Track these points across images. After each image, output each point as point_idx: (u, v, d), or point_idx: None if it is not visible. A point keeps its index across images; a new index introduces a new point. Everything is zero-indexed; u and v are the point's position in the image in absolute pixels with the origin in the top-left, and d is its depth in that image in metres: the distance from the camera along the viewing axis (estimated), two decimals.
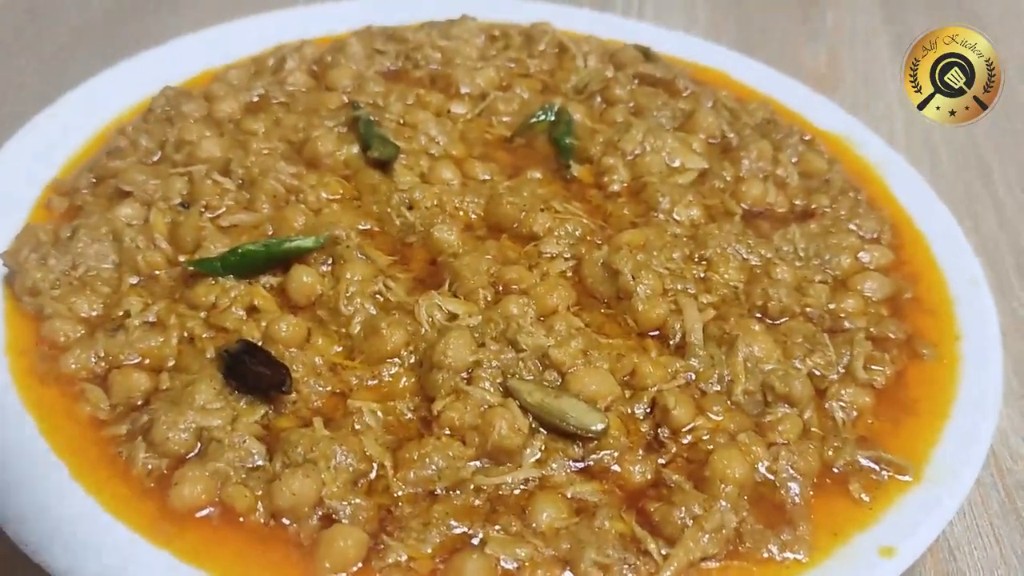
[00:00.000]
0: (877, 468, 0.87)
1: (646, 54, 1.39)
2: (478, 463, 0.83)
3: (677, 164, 1.17)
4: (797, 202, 1.16)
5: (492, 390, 0.86)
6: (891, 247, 1.11)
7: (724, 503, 0.81)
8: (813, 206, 1.14)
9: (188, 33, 1.36)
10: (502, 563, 0.76)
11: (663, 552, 0.78)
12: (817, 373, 0.94)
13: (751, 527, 0.81)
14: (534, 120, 1.21)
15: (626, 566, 0.77)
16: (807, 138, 1.26)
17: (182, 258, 0.98)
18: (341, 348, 0.91)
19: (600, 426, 0.84)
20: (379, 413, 0.85)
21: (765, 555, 0.79)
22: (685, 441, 0.87)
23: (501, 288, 0.97)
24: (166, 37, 1.35)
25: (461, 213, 1.07)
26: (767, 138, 1.24)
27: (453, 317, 0.93)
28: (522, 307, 0.93)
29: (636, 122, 1.20)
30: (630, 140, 1.17)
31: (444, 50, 1.34)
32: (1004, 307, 1.13)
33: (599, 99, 1.30)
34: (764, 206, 1.13)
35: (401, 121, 1.19)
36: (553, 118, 1.22)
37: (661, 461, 0.85)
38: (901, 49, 1.67)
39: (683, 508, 0.80)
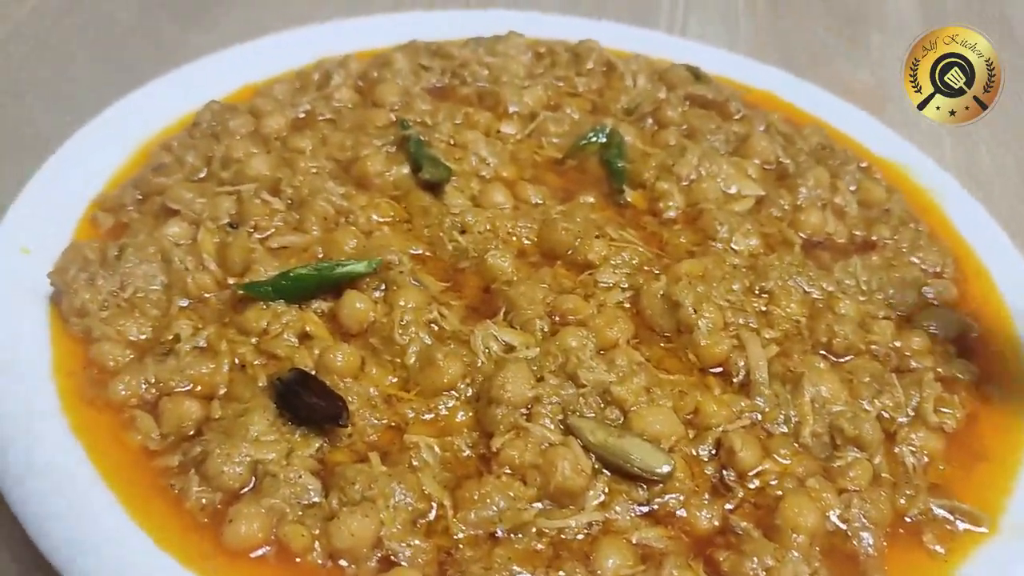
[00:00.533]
0: (951, 518, 0.84)
1: (696, 74, 1.36)
2: (539, 504, 0.79)
3: (733, 191, 1.14)
4: (857, 232, 1.13)
5: (553, 427, 0.83)
6: (954, 281, 1.08)
7: (796, 553, 0.77)
8: (874, 237, 1.11)
9: (227, 47, 1.33)
10: None
11: None
12: (886, 415, 0.91)
13: None
14: (585, 142, 1.18)
15: None
16: (864, 165, 1.23)
17: (231, 280, 0.95)
18: (396, 379, 0.88)
19: (666, 468, 0.81)
20: (436, 449, 0.82)
21: None
22: (752, 485, 0.83)
23: (558, 318, 0.94)
24: (205, 51, 1.32)
25: (514, 238, 1.04)
26: (823, 164, 1.20)
27: (510, 349, 0.90)
28: (581, 340, 0.90)
29: (691, 146, 1.17)
30: (685, 164, 1.14)
31: (491, 67, 1.31)
32: None
33: (650, 120, 1.27)
34: (823, 236, 1.10)
35: (451, 141, 1.16)
36: (604, 140, 1.18)
37: (728, 507, 0.82)
38: None
39: (754, 558, 0.76)
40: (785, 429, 0.88)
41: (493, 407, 0.83)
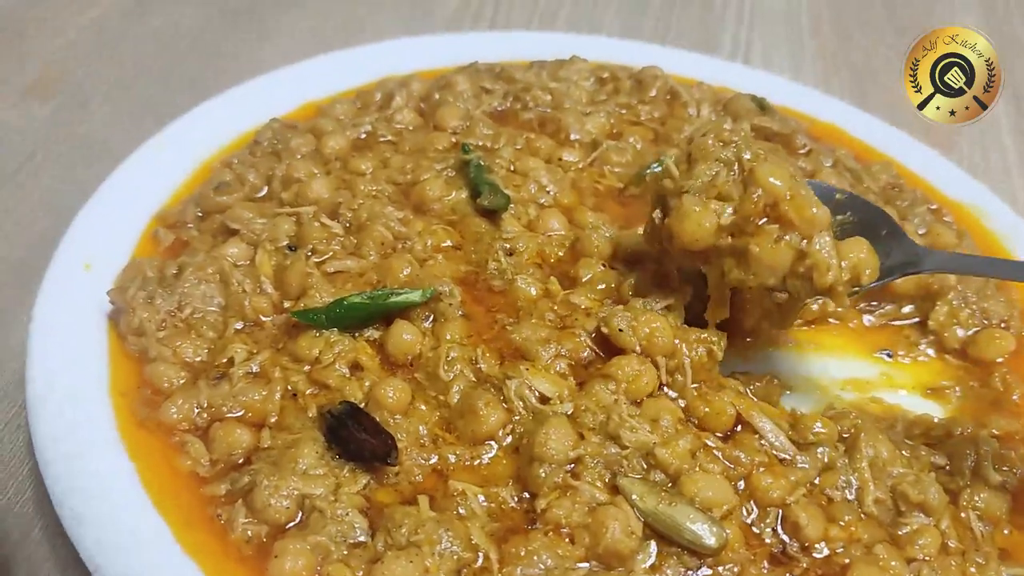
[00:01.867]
0: None
1: (761, 105, 1.31)
2: (587, 564, 0.76)
3: None
4: (923, 279, 1.07)
5: (600, 486, 0.79)
6: (1017, 335, 1.03)
7: None
8: (936, 286, 1.05)
9: (286, 64, 1.33)
10: None
11: None
12: (944, 473, 0.87)
13: None
14: (648, 172, 1.15)
15: None
16: (934, 207, 1.18)
17: (287, 304, 0.94)
18: (439, 417, 0.86)
19: (714, 542, 0.76)
20: (482, 498, 0.79)
21: None
22: (819, 555, 0.79)
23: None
24: (268, 67, 1.32)
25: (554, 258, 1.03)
26: (891, 204, 1.16)
27: (545, 399, 0.86)
28: (613, 394, 0.86)
29: None
30: None
31: (554, 92, 1.28)
32: None
33: None
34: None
35: (511, 167, 1.13)
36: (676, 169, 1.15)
37: None
38: (1019, 107, 1.60)
39: None
40: (849, 495, 0.83)
41: (536, 465, 0.80)
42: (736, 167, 0.84)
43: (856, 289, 0.84)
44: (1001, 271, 0.96)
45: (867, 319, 1.06)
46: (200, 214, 1.06)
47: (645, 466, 0.81)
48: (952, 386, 0.98)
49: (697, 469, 0.81)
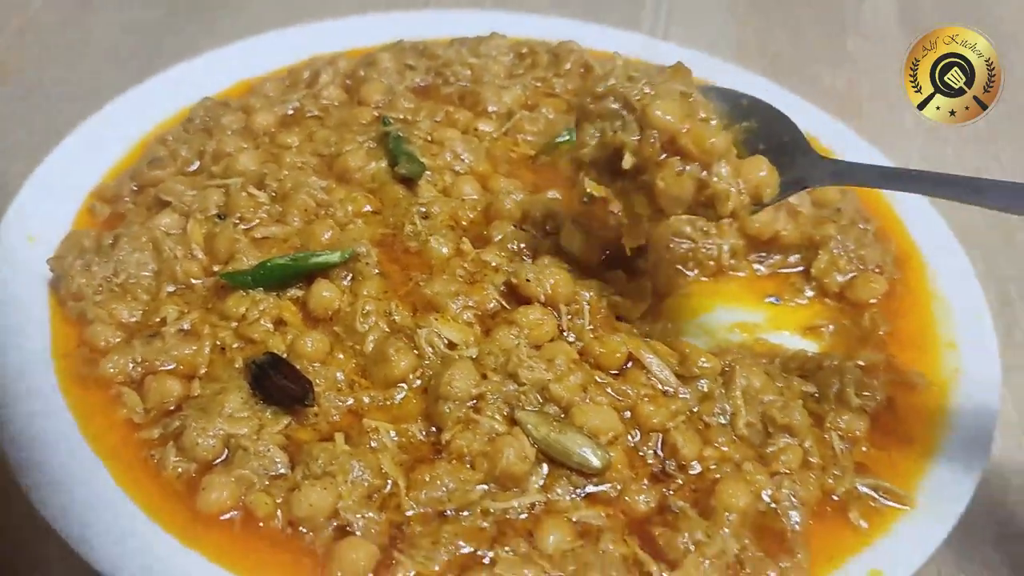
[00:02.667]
0: (875, 495, 0.89)
1: None
2: (485, 487, 0.84)
3: None
4: (806, 231, 1.16)
5: (499, 419, 0.88)
6: (889, 279, 1.12)
7: (726, 530, 0.83)
8: (819, 237, 1.14)
9: (224, 44, 1.39)
10: None
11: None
12: (812, 400, 0.96)
13: (752, 554, 0.82)
14: (559, 141, 1.23)
15: None
16: None
17: (216, 268, 1.01)
18: (355, 364, 0.94)
19: (599, 464, 0.85)
20: (393, 434, 0.88)
21: None
22: (693, 472, 0.88)
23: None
24: (202, 49, 1.38)
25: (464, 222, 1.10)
26: None
27: (452, 345, 0.94)
28: (515, 339, 0.94)
29: None
30: None
31: (473, 67, 1.36)
32: (1009, 341, 1.13)
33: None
34: (772, 233, 1.14)
35: (429, 138, 1.21)
36: (575, 139, 1.23)
37: (668, 491, 0.87)
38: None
39: (686, 534, 0.82)
40: (723, 420, 0.93)
41: (441, 403, 0.88)
42: (629, 112, 0.89)
43: (757, 208, 0.90)
44: (888, 182, 0.96)
45: (757, 268, 1.15)
46: (135, 188, 1.12)
47: (540, 400, 0.90)
48: (826, 324, 1.08)
49: (587, 401, 0.90)
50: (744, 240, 1.14)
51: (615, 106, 0.91)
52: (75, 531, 0.78)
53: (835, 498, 0.89)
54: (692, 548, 0.81)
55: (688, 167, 0.87)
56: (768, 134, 0.95)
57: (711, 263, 1.13)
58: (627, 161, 0.90)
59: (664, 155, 0.88)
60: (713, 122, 0.88)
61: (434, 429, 0.88)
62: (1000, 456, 1.00)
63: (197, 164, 1.16)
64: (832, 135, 1.35)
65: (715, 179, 0.87)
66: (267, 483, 0.83)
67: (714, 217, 0.90)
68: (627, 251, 0.99)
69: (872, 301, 1.10)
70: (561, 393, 0.89)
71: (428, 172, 1.14)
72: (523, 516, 0.83)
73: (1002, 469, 1.00)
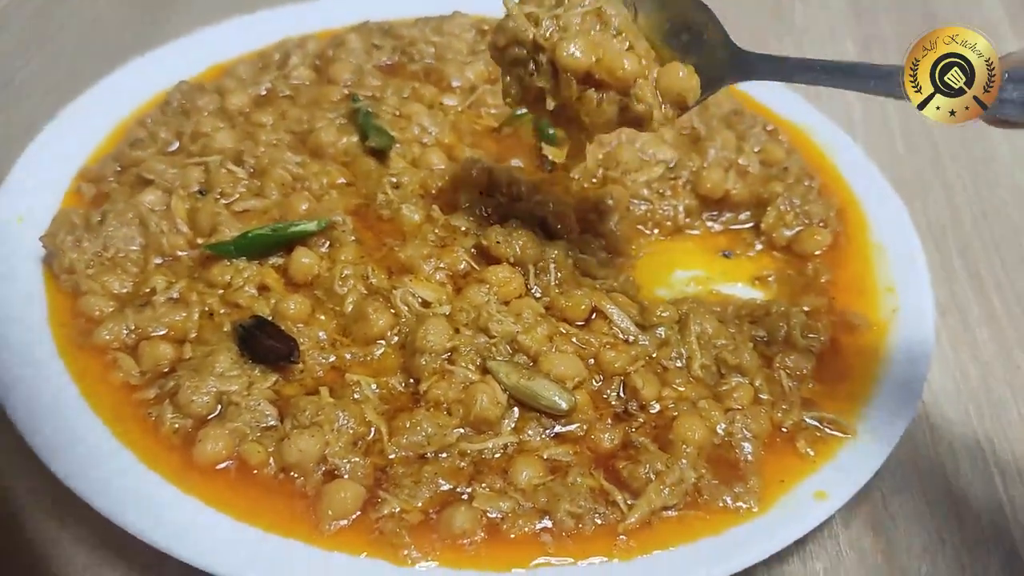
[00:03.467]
0: (820, 426, 0.96)
1: None
2: (461, 430, 0.91)
3: (650, 155, 1.24)
4: (755, 189, 1.23)
5: (472, 369, 0.94)
6: (832, 232, 1.19)
7: (684, 461, 0.90)
8: (766, 194, 1.21)
9: (195, 30, 1.43)
10: (488, 514, 0.85)
11: (628, 503, 0.87)
12: (762, 342, 1.04)
13: (708, 482, 0.89)
14: (521, 113, 1.29)
15: (596, 515, 0.86)
16: (770, 128, 1.34)
17: (200, 240, 1.06)
18: (336, 324, 0.99)
19: (566, 406, 0.92)
20: (374, 386, 0.94)
21: (720, 505, 0.88)
22: (653, 411, 0.95)
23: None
24: (174, 35, 1.42)
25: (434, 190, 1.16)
26: (732, 128, 1.31)
27: (427, 304, 1.00)
28: (485, 295, 1.00)
29: None
30: None
31: (437, 45, 1.41)
32: (945, 287, 1.21)
33: None
34: (722, 192, 1.21)
35: (397, 113, 1.26)
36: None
37: (631, 429, 0.93)
38: (866, 46, 1.77)
39: (647, 465, 0.89)
40: (680, 364, 1.00)
41: (418, 356, 0.94)
42: (540, 55, 0.90)
43: (682, 112, 0.92)
44: (816, 78, 0.89)
45: (711, 226, 1.22)
46: (119, 169, 1.16)
47: (510, 351, 0.96)
48: (773, 274, 1.15)
49: (553, 351, 0.97)
50: (697, 200, 1.21)
51: (523, 52, 0.92)
52: (83, 485, 0.83)
53: (784, 430, 0.96)
54: (653, 477, 0.88)
55: (606, 95, 0.90)
56: (687, 24, 0.92)
57: (668, 223, 1.20)
58: (549, 104, 0.94)
59: (582, 88, 0.90)
60: (623, 38, 0.88)
61: (412, 381, 0.95)
62: (937, 388, 1.09)
63: (176, 144, 1.21)
64: (769, 93, 1.42)
65: (635, 101, 0.90)
66: (259, 434, 0.89)
67: (645, 130, 0.92)
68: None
69: (817, 253, 1.17)
70: (529, 343, 0.96)
71: (397, 144, 1.19)
72: (497, 456, 0.90)
73: (937, 400, 1.08)
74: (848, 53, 1.74)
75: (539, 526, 0.85)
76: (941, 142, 1.50)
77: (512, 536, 0.84)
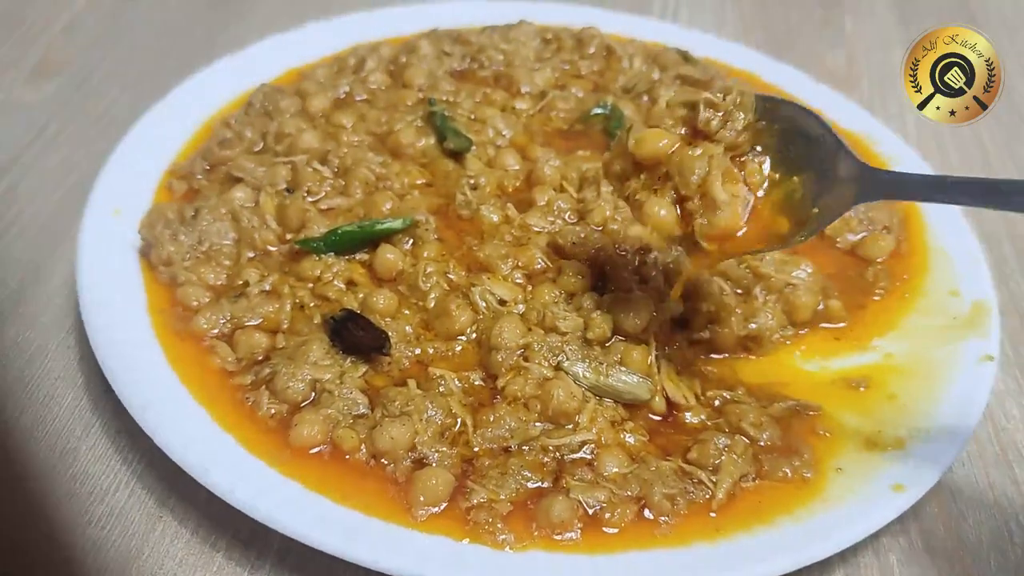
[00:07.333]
0: None
1: (685, 57, 1.46)
2: (541, 425, 0.91)
3: None
4: None
5: (546, 366, 0.95)
6: (898, 238, 1.20)
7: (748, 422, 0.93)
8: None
9: (267, 36, 1.45)
10: (584, 505, 0.85)
11: (712, 479, 0.88)
12: None
13: (769, 455, 0.91)
14: (592, 114, 1.30)
15: (689, 493, 0.87)
16: None
17: (289, 236, 1.08)
18: (419, 319, 1.01)
19: (647, 396, 0.94)
20: (456, 381, 0.95)
21: (780, 475, 0.90)
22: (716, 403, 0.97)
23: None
24: (236, 40, 1.44)
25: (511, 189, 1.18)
26: None
27: (503, 302, 1.01)
28: (552, 294, 1.02)
29: None
30: None
31: (505, 52, 1.43)
32: (1003, 289, 1.21)
33: (646, 98, 1.37)
34: None
35: (472, 116, 1.28)
36: (607, 112, 1.30)
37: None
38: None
39: (715, 441, 0.90)
40: None
41: (494, 353, 0.95)
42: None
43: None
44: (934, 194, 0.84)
45: None
46: (207, 167, 1.19)
47: (582, 343, 0.97)
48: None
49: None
50: None
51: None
52: (195, 462, 0.85)
53: None
54: (724, 450, 0.89)
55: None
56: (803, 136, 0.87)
57: None
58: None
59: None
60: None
61: (490, 377, 0.96)
62: (1001, 389, 1.09)
63: (261, 144, 1.23)
64: (829, 102, 1.41)
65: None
66: (351, 421, 0.90)
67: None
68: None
69: (880, 259, 1.17)
70: (596, 338, 0.97)
71: (473, 146, 1.21)
72: (582, 453, 0.90)
73: (1000, 399, 1.08)
74: (897, 59, 1.73)
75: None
76: (991, 150, 1.50)
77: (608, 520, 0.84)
